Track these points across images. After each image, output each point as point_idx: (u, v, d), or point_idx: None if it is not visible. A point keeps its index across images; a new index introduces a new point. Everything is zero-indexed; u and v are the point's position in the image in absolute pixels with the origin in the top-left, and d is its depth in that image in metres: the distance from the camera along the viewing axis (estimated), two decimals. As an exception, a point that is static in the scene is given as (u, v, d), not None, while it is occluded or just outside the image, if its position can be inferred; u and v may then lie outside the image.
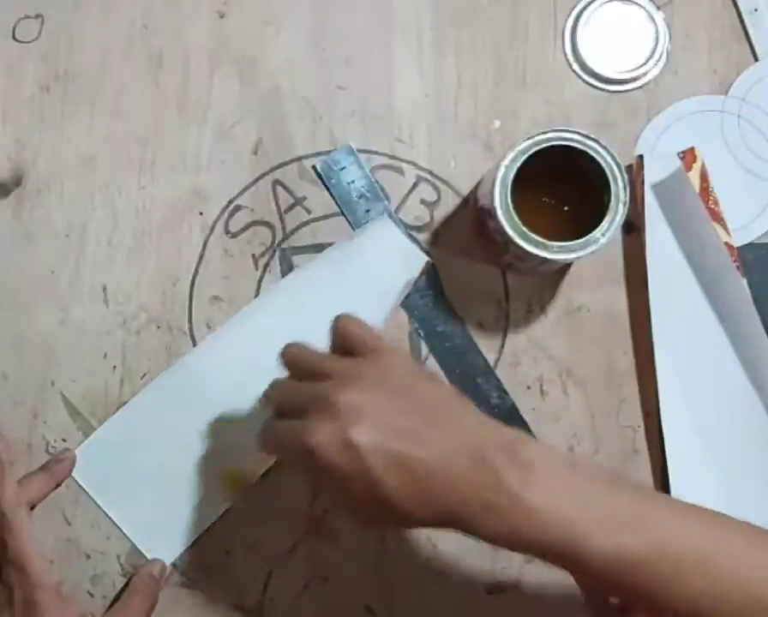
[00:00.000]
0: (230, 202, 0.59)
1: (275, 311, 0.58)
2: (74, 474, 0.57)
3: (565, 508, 0.41)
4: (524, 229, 0.51)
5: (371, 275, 0.58)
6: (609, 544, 0.40)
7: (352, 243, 0.58)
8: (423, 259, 0.58)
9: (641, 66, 0.60)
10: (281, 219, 0.59)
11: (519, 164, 0.51)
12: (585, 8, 0.60)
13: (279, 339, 0.54)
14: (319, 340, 0.57)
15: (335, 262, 0.58)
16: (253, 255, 0.59)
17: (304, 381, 0.46)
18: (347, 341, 0.47)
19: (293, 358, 0.48)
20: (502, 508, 0.41)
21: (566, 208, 0.54)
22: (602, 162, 0.51)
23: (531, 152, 0.51)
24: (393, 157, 0.60)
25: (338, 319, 0.48)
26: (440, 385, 0.47)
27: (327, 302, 0.58)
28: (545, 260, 0.51)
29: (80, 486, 0.57)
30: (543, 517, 0.40)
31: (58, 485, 0.56)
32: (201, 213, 0.59)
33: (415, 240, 0.59)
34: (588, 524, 0.41)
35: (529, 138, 0.51)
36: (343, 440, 0.41)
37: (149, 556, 0.56)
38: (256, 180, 0.60)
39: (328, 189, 0.59)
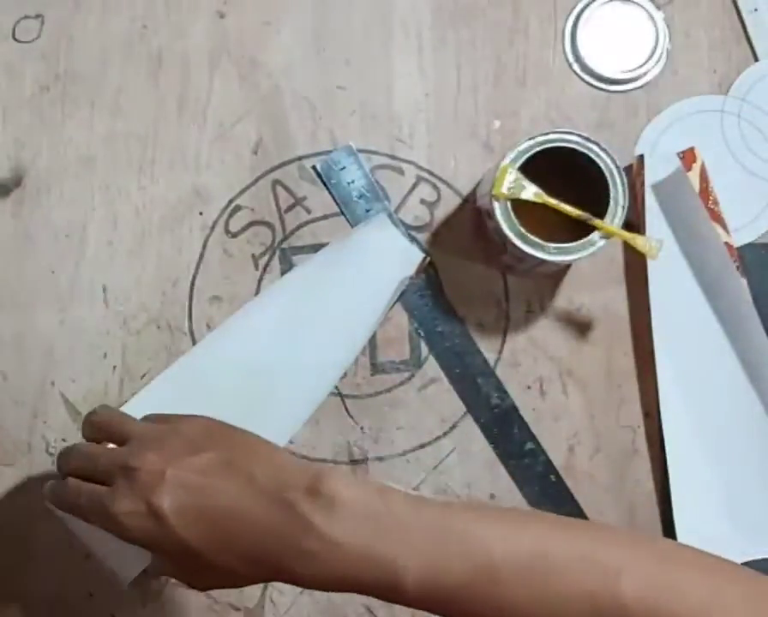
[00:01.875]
0: (230, 202, 0.59)
1: (274, 309, 0.58)
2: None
3: (371, 538, 0.39)
4: (522, 230, 0.51)
5: (368, 272, 0.58)
6: (425, 570, 0.38)
7: (349, 240, 0.58)
8: (420, 255, 0.58)
9: (641, 66, 0.60)
10: (281, 219, 0.59)
11: (518, 164, 0.51)
12: (585, 8, 0.60)
13: (278, 337, 0.53)
14: (317, 337, 0.57)
15: (333, 260, 0.58)
16: (253, 255, 0.59)
17: (103, 445, 0.47)
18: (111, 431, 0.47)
19: (96, 421, 0.48)
20: (313, 550, 0.39)
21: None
22: (601, 165, 0.51)
23: (531, 153, 0.51)
24: (393, 157, 0.60)
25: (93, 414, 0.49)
26: (242, 432, 0.45)
27: (325, 300, 0.58)
28: (543, 261, 0.51)
29: None
30: (350, 551, 0.38)
31: None
32: (200, 213, 0.59)
33: (414, 239, 0.59)
34: (399, 553, 0.38)
35: (529, 138, 0.51)
36: (146, 508, 0.41)
37: (115, 570, 0.51)
38: (256, 180, 0.60)
39: (328, 189, 0.59)
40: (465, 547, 0.38)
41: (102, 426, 0.48)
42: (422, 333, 0.59)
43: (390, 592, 0.39)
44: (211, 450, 0.43)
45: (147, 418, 0.48)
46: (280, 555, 0.40)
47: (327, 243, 0.59)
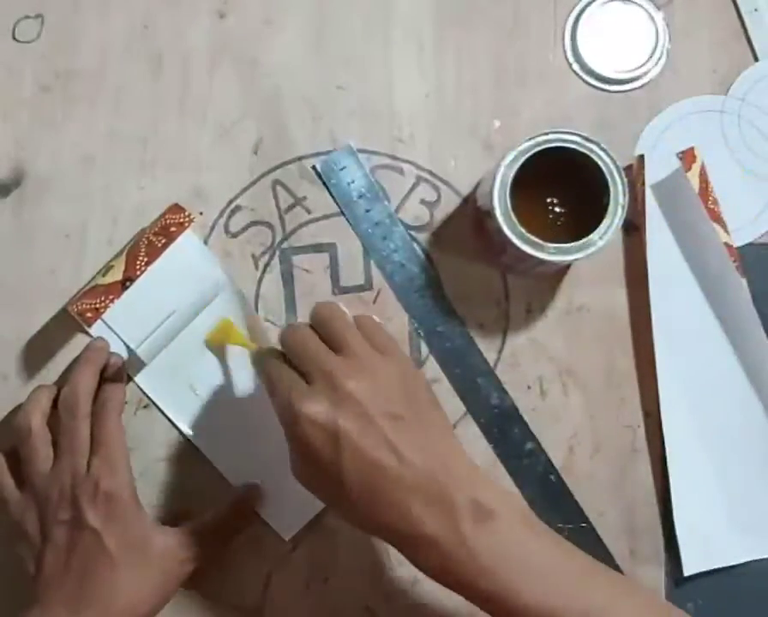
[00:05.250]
0: (230, 202, 0.59)
1: None
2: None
3: (508, 561, 0.42)
4: (521, 230, 0.51)
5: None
6: (541, 605, 0.41)
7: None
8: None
9: (641, 66, 0.60)
10: (281, 219, 0.59)
11: (518, 164, 0.51)
12: (585, 8, 0.60)
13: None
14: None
15: None
16: (253, 255, 0.59)
17: (321, 342, 0.47)
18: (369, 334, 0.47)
19: (321, 315, 0.48)
20: (448, 548, 0.42)
21: (564, 209, 0.54)
22: (601, 165, 0.51)
23: (530, 153, 0.51)
24: (393, 157, 0.60)
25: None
26: (434, 406, 0.47)
27: None
28: (543, 261, 0.51)
29: None
30: (483, 564, 0.42)
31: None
32: (201, 213, 0.59)
33: (414, 239, 0.59)
34: (525, 582, 0.41)
35: (529, 139, 0.51)
36: (332, 425, 0.42)
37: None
38: (256, 180, 0.60)
39: (328, 189, 0.59)
40: (581, 600, 0.42)
41: (322, 321, 0.48)
42: (422, 333, 0.59)
43: (499, 606, 0.42)
44: (404, 412, 0.44)
45: (362, 326, 0.48)
46: (415, 538, 0.42)
47: (327, 243, 0.59)
